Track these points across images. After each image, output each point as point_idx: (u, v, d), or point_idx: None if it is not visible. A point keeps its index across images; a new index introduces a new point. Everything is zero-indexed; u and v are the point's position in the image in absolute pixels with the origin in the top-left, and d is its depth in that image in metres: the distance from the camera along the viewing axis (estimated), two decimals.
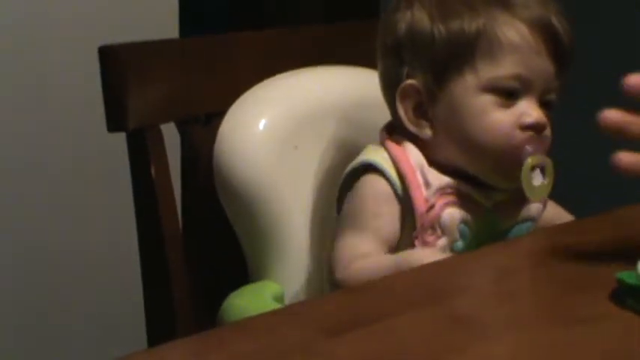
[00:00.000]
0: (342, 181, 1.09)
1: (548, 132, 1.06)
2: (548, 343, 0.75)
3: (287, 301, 1.15)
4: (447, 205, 1.05)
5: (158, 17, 1.89)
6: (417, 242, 1.04)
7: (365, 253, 1.04)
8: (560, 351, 0.74)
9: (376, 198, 1.05)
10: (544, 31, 1.05)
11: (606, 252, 0.93)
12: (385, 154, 1.07)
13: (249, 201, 1.15)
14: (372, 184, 1.06)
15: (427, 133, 1.07)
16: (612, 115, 0.84)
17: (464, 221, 1.06)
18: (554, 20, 1.06)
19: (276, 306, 1.10)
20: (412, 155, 1.07)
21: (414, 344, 0.75)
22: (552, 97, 1.07)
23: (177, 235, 1.19)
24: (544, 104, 1.06)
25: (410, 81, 1.07)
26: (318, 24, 1.38)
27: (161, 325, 1.19)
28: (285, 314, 0.88)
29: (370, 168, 1.06)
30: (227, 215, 1.18)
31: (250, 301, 1.12)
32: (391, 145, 1.07)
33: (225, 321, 1.12)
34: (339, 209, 1.10)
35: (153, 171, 1.18)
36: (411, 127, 1.07)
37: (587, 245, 0.95)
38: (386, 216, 1.05)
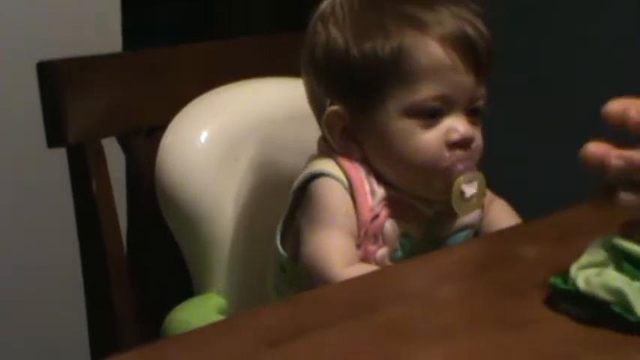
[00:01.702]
0: (294, 192, 1.08)
1: (477, 143, 1.07)
2: (482, 349, 0.77)
3: (231, 313, 1.16)
4: (390, 215, 1.06)
5: (101, 31, 1.90)
6: (359, 251, 1.05)
7: (347, 249, 1.04)
8: (495, 356, 0.75)
9: (337, 196, 1.05)
10: (460, 46, 1.04)
11: (543, 257, 0.95)
12: (334, 163, 1.07)
13: (191, 214, 1.17)
14: (329, 185, 1.05)
15: (356, 154, 1.07)
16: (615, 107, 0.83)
17: (405, 232, 1.07)
18: (470, 30, 1.05)
19: (220, 318, 1.11)
20: (359, 166, 1.07)
21: (351, 354, 0.76)
22: (478, 104, 1.07)
23: (119, 250, 1.20)
24: (471, 112, 1.07)
25: (333, 107, 1.07)
26: (260, 35, 1.39)
27: (104, 341, 1.21)
28: (226, 326, 0.89)
29: (324, 175, 1.06)
30: (170, 228, 1.19)
31: (194, 314, 1.14)
32: (338, 155, 1.07)
33: (169, 334, 1.13)
34: (291, 218, 1.09)
35: (94, 186, 1.19)
36: (340, 150, 1.07)
37: (523, 250, 0.96)
38: (350, 213, 1.05)
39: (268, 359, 0.75)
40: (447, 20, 1.05)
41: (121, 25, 1.93)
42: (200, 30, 3.39)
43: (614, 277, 0.81)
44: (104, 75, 1.23)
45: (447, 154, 1.05)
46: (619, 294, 0.79)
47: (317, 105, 1.10)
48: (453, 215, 1.08)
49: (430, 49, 1.04)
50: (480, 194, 1.05)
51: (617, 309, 0.79)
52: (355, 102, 1.06)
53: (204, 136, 1.18)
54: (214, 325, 0.88)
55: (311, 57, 1.09)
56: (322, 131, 1.09)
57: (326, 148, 1.09)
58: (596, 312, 0.80)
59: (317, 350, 0.76)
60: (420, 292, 0.90)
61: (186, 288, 1.20)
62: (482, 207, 1.08)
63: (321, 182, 1.05)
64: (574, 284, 0.81)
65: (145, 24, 2.94)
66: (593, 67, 2.48)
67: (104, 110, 1.21)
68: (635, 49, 2.45)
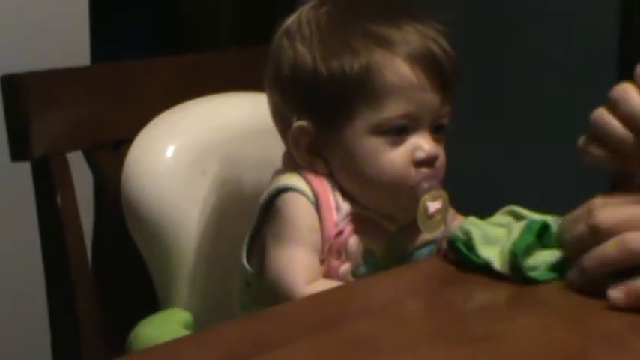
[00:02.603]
0: (261, 206, 1.08)
1: (441, 161, 1.08)
2: None
3: (196, 328, 1.16)
4: (354, 231, 1.07)
5: (68, 44, 1.90)
6: (322, 266, 1.05)
7: (311, 266, 1.04)
8: None
9: (303, 211, 1.05)
10: (426, 65, 1.05)
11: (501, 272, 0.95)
12: (300, 178, 1.07)
13: (157, 228, 1.18)
14: (295, 200, 1.06)
15: (322, 170, 1.08)
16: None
17: (369, 248, 1.07)
18: (436, 49, 1.06)
19: (185, 333, 1.12)
20: (325, 180, 1.07)
21: None
22: (443, 122, 1.09)
23: (84, 264, 1.21)
24: (435, 130, 1.08)
25: (300, 123, 1.07)
26: (227, 50, 1.39)
27: (68, 356, 1.21)
28: (190, 341, 0.89)
29: (290, 190, 1.06)
30: (136, 242, 1.20)
31: (159, 329, 1.14)
32: (304, 169, 1.08)
33: (134, 349, 1.13)
34: (257, 233, 1.09)
35: (59, 200, 1.19)
36: (306, 166, 1.08)
37: (483, 265, 0.96)
38: (315, 228, 1.05)
39: None
40: (414, 39, 1.06)
41: (89, 36, 1.93)
42: (171, 36, 3.40)
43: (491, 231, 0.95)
44: (70, 88, 1.24)
45: (412, 172, 1.06)
46: (468, 234, 0.94)
47: (281, 120, 1.10)
48: (416, 231, 1.08)
49: (398, 68, 1.05)
50: (444, 212, 1.06)
51: (464, 249, 0.94)
52: (322, 119, 1.07)
53: (170, 150, 1.19)
54: (178, 341, 0.89)
55: (276, 73, 1.10)
56: (287, 146, 1.09)
57: (291, 163, 1.09)
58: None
59: None
60: (383, 307, 0.91)
61: (152, 302, 1.21)
62: (447, 225, 1.09)
63: (288, 197, 1.06)
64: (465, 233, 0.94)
65: (115, 30, 2.95)
66: (553, 85, 2.50)
67: (70, 124, 1.22)
68: (593, 62, 2.48)
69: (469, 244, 0.95)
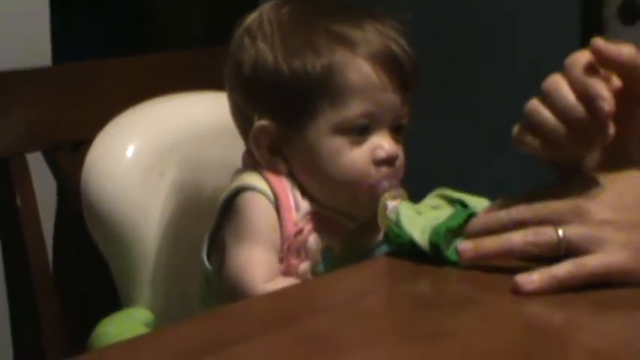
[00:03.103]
0: (221, 205, 1.09)
1: (401, 160, 1.08)
2: (397, 358, 0.80)
3: (157, 327, 1.16)
4: (313, 230, 1.07)
5: (29, 45, 1.89)
6: (281, 265, 1.06)
7: (270, 264, 1.04)
8: None
9: (262, 210, 1.06)
10: (387, 65, 1.06)
11: (460, 269, 0.97)
12: (260, 177, 1.07)
13: (117, 228, 1.17)
14: (254, 200, 1.06)
15: (282, 169, 1.08)
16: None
17: (328, 246, 1.08)
18: (396, 49, 1.07)
19: (146, 331, 1.12)
20: (284, 179, 1.08)
21: None
22: (403, 121, 1.09)
23: (44, 264, 1.21)
24: (395, 129, 1.08)
25: (261, 122, 1.07)
26: (187, 49, 1.39)
27: (30, 356, 1.21)
28: (148, 340, 0.90)
29: (250, 189, 1.07)
30: (97, 242, 1.19)
31: (120, 327, 1.14)
32: (264, 168, 1.08)
33: (95, 345, 1.13)
34: (217, 232, 1.09)
35: (18, 200, 1.20)
36: (266, 165, 1.08)
37: (439, 264, 0.98)
38: (274, 227, 1.06)
39: None
40: (375, 39, 1.07)
41: (50, 36, 1.92)
42: (138, 37, 3.39)
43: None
44: (29, 89, 1.24)
45: (373, 171, 1.06)
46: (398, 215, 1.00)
47: (242, 119, 1.11)
48: (374, 229, 1.09)
49: (360, 68, 1.06)
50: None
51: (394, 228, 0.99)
52: (284, 118, 1.07)
53: (130, 150, 1.19)
54: (137, 339, 0.90)
55: (237, 72, 1.10)
56: (248, 145, 1.10)
57: (251, 162, 1.10)
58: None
59: None
60: (340, 304, 0.92)
61: (114, 302, 1.21)
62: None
63: (247, 196, 1.06)
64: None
65: (80, 31, 2.93)
66: (514, 84, 2.52)
67: (29, 125, 1.22)
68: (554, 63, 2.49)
69: (398, 224, 0.99)
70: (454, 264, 0.96)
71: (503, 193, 1.04)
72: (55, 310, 1.21)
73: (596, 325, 0.87)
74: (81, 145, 1.23)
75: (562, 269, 0.90)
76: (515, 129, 0.97)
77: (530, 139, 0.95)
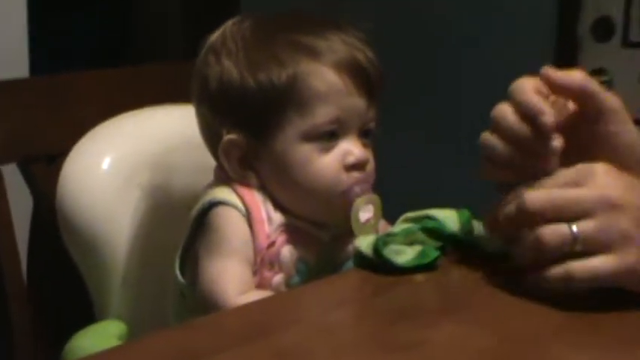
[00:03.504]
0: (194, 220, 1.09)
1: (371, 164, 1.09)
2: None
3: (131, 339, 1.16)
4: (286, 242, 1.07)
5: (6, 57, 1.89)
6: (254, 278, 1.06)
7: (243, 277, 1.04)
8: None
9: (235, 226, 1.06)
10: (352, 72, 1.07)
11: (431, 280, 0.98)
12: (231, 191, 1.07)
13: (92, 241, 1.18)
14: (227, 214, 1.06)
15: (254, 182, 1.08)
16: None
17: (302, 258, 1.08)
18: (360, 57, 1.07)
19: (118, 343, 1.12)
20: (256, 193, 1.08)
21: None
22: (370, 125, 1.10)
23: (18, 275, 1.21)
24: (363, 134, 1.09)
25: (230, 136, 1.08)
26: (160, 62, 1.39)
27: None
28: (120, 352, 0.90)
29: (222, 204, 1.07)
30: (71, 255, 1.20)
31: (93, 340, 1.14)
32: (235, 182, 1.08)
33: (69, 359, 1.13)
34: (190, 246, 1.10)
35: None
36: (237, 178, 1.08)
37: (414, 275, 0.99)
38: (247, 240, 1.06)
39: None
40: (339, 48, 1.07)
41: (27, 48, 1.92)
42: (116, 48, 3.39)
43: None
44: (3, 101, 1.24)
45: (344, 177, 1.07)
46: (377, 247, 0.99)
47: (211, 135, 1.11)
48: (348, 241, 1.09)
49: (325, 75, 1.06)
50: (377, 215, 1.08)
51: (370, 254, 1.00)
52: (252, 130, 1.08)
53: (105, 163, 1.19)
54: (109, 352, 0.89)
55: (204, 89, 1.10)
56: (218, 160, 1.10)
57: (222, 176, 1.10)
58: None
59: None
60: (313, 316, 0.92)
61: (88, 314, 1.21)
62: (377, 232, 1.09)
63: (219, 211, 1.07)
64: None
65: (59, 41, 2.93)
66: (477, 93, 2.53)
67: (4, 136, 1.22)
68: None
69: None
70: (395, 266, 0.98)
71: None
72: (28, 322, 1.21)
73: (572, 336, 0.87)
74: (56, 158, 1.23)
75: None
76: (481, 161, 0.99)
77: (490, 169, 0.98)
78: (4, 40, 1.90)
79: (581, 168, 0.94)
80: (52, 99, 1.28)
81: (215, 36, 1.11)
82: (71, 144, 1.21)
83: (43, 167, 1.24)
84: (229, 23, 1.12)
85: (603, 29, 2.41)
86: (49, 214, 1.21)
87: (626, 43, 2.36)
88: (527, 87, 0.96)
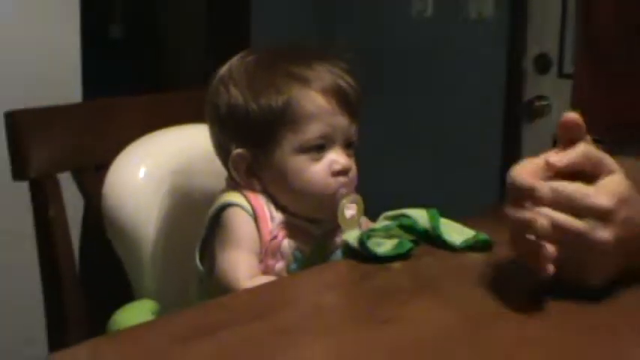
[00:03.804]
0: (210, 219, 1.07)
1: (353, 170, 1.07)
2: (354, 342, 0.78)
3: (161, 315, 1.13)
4: (286, 236, 1.06)
5: (62, 84, 1.88)
6: (260, 266, 1.04)
7: (251, 266, 1.03)
8: (363, 347, 0.76)
9: (244, 223, 1.04)
10: (335, 95, 1.05)
11: (406, 267, 0.96)
12: (240, 195, 1.06)
13: (131, 235, 1.16)
14: (237, 214, 1.05)
15: (258, 187, 1.07)
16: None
17: (298, 248, 1.06)
18: (342, 83, 1.06)
19: (152, 318, 1.09)
20: (260, 196, 1.07)
21: (249, 349, 0.76)
22: (352, 139, 1.08)
23: (71, 264, 1.19)
24: (347, 146, 1.08)
25: (238, 150, 1.06)
26: (185, 89, 1.39)
27: (59, 338, 1.19)
28: (149, 326, 0.89)
29: (233, 205, 1.06)
30: (113, 246, 1.18)
31: (131, 315, 1.12)
32: (243, 188, 1.07)
33: (112, 330, 1.11)
34: (208, 240, 1.08)
35: (51, 212, 1.18)
36: (244, 185, 1.07)
37: (391, 264, 0.97)
38: (254, 235, 1.05)
39: (178, 354, 0.75)
40: (325, 76, 1.06)
41: (81, 77, 1.91)
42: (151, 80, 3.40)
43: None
44: (60, 122, 1.22)
45: (331, 181, 1.05)
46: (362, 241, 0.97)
47: (222, 150, 1.10)
48: (336, 235, 1.08)
49: (314, 99, 1.05)
50: (360, 211, 1.06)
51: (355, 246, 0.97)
52: (256, 145, 1.06)
53: (141, 171, 1.18)
54: (143, 325, 0.89)
55: (215, 113, 1.09)
56: (228, 171, 1.09)
57: (232, 184, 1.09)
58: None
59: (221, 346, 0.76)
60: (308, 297, 0.91)
61: (127, 294, 1.19)
62: (360, 226, 1.07)
63: (231, 211, 1.05)
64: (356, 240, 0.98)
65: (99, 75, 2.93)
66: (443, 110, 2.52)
67: (59, 151, 1.20)
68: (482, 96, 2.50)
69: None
70: (376, 256, 0.96)
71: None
72: (79, 300, 1.19)
73: (517, 316, 0.83)
74: (102, 167, 1.21)
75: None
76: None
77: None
78: (62, 73, 1.90)
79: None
80: (98, 120, 1.26)
81: (223, 70, 1.10)
82: (113, 156, 1.19)
83: (92, 175, 1.22)
84: (234, 59, 1.11)
85: (542, 64, 2.41)
86: (96, 213, 1.19)
87: (561, 75, 2.36)
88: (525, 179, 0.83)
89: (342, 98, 1.06)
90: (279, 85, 1.05)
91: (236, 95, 1.07)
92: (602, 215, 0.81)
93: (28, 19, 1.84)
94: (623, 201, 0.82)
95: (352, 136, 1.08)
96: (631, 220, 0.82)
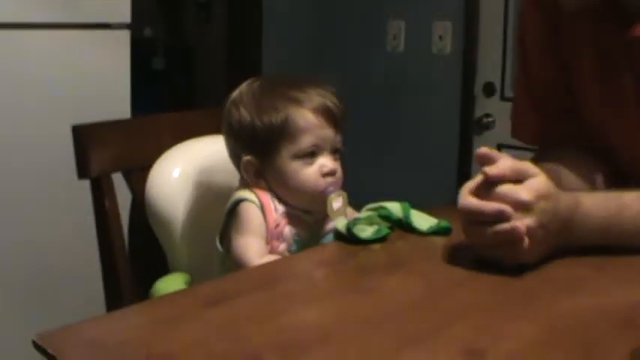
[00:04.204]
0: (228, 211, 1.06)
1: (339, 172, 1.06)
2: (343, 307, 0.77)
3: (192, 284, 1.12)
4: (287, 223, 1.04)
5: (116, 104, 1.87)
6: (267, 247, 1.03)
7: (259, 248, 1.01)
8: (351, 310, 0.76)
9: (254, 215, 1.03)
10: (324, 113, 1.04)
11: (385, 246, 0.95)
12: (250, 192, 1.05)
13: (167, 221, 1.15)
14: (249, 207, 1.04)
15: (264, 186, 1.05)
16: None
17: (297, 233, 1.05)
18: (329, 103, 1.05)
19: (184, 287, 1.08)
20: (266, 192, 1.05)
21: (261, 310, 0.76)
22: (338, 146, 1.07)
23: (122, 245, 1.18)
24: (333, 152, 1.06)
25: (247, 158, 1.05)
26: (212, 107, 1.37)
27: (115, 301, 1.18)
28: (182, 293, 0.88)
29: (244, 200, 1.04)
30: (154, 230, 1.17)
31: (168, 285, 1.10)
32: (253, 186, 1.06)
33: (154, 296, 1.10)
34: (226, 228, 1.06)
35: (107, 203, 1.17)
36: (253, 184, 1.05)
37: (373, 245, 0.95)
38: (261, 224, 1.03)
39: (205, 315, 0.74)
40: (315, 98, 1.05)
41: (130, 98, 1.90)
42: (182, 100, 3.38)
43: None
44: (113, 134, 1.21)
45: (321, 181, 1.04)
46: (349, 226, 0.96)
47: (235, 157, 1.08)
48: (326, 222, 1.06)
49: (306, 116, 1.04)
50: (345, 205, 1.04)
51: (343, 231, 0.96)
52: (261, 153, 1.05)
53: (175, 172, 1.16)
54: (175, 293, 0.89)
55: (229, 129, 1.08)
56: (240, 174, 1.08)
57: (244, 183, 1.07)
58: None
59: (239, 309, 0.76)
60: (305, 272, 0.90)
61: (164, 268, 1.17)
62: (346, 216, 1.06)
63: (244, 205, 1.04)
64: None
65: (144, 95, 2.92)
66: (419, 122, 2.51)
67: (113, 155, 1.18)
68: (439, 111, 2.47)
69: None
70: (360, 239, 0.94)
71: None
72: (129, 274, 1.17)
73: (479, 284, 0.82)
74: (145, 168, 1.19)
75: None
76: None
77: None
78: (115, 95, 1.89)
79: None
80: (142, 131, 1.24)
81: (234, 94, 1.09)
82: (154, 160, 1.18)
83: (138, 175, 1.20)
84: (243, 85, 1.10)
85: (489, 89, 2.39)
86: (141, 204, 1.17)
87: (503, 98, 2.35)
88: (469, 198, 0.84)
89: (328, 115, 1.05)
90: (279, 106, 1.04)
91: (245, 115, 1.05)
92: (524, 206, 0.82)
93: (91, 55, 1.83)
94: (541, 196, 0.83)
95: (337, 144, 1.07)
96: (550, 210, 0.84)
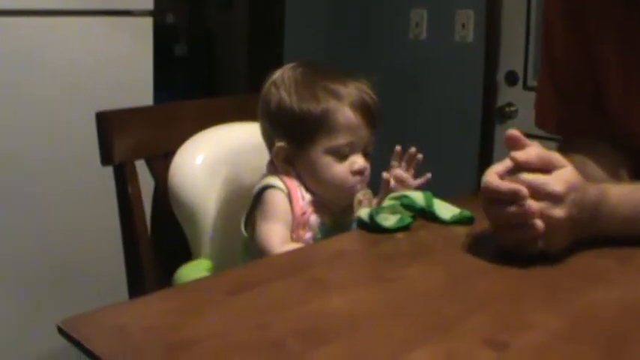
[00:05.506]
0: (254, 196, 1.06)
1: (368, 171, 1.06)
2: (366, 294, 0.77)
3: (215, 271, 1.13)
4: (313, 212, 1.05)
5: (139, 91, 1.87)
6: (293, 235, 1.03)
7: (283, 235, 1.02)
8: (376, 298, 0.76)
9: (280, 201, 1.03)
10: (362, 110, 1.04)
11: (407, 236, 0.95)
12: (278, 179, 1.05)
13: (190, 208, 1.15)
14: (275, 194, 1.04)
15: (293, 174, 1.05)
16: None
17: (322, 222, 1.05)
18: (367, 99, 1.05)
19: (207, 274, 1.09)
20: (294, 180, 1.05)
21: (286, 298, 0.76)
22: (369, 149, 1.07)
23: (145, 231, 1.18)
24: (364, 155, 1.06)
25: (280, 143, 1.05)
26: (239, 94, 1.37)
27: (137, 288, 1.19)
28: (205, 280, 0.88)
29: (272, 187, 1.05)
30: (177, 216, 1.17)
31: (191, 271, 1.11)
32: (281, 173, 1.06)
33: (176, 283, 1.11)
34: (251, 213, 1.06)
35: (130, 190, 1.17)
36: (282, 171, 1.06)
37: (396, 234, 0.95)
38: (287, 211, 1.03)
39: (229, 302, 0.74)
40: (354, 92, 1.04)
41: (152, 86, 1.91)
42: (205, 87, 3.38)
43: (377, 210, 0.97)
44: (136, 121, 1.21)
45: (350, 178, 1.04)
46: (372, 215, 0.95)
47: (268, 141, 1.08)
48: (350, 212, 1.06)
49: (345, 112, 1.03)
50: (369, 201, 1.05)
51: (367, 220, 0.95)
52: (294, 142, 1.05)
53: (199, 158, 1.16)
54: (198, 280, 0.88)
55: (266, 109, 1.07)
56: (271, 157, 1.07)
57: (272, 169, 1.07)
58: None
59: (262, 296, 0.76)
60: (329, 259, 0.90)
61: (187, 255, 1.18)
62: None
63: (270, 191, 1.04)
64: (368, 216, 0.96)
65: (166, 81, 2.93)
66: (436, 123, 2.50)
67: (136, 143, 1.19)
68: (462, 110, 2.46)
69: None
70: (383, 228, 0.94)
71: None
72: (152, 260, 1.18)
73: (499, 274, 0.82)
74: (168, 155, 1.19)
75: None
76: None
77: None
78: (138, 82, 1.90)
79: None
80: (165, 119, 1.25)
81: (277, 74, 1.08)
82: (177, 147, 1.18)
83: (160, 161, 1.20)
84: (286, 67, 1.09)
85: (511, 78, 2.37)
86: (164, 191, 1.18)
87: (526, 87, 2.33)
88: (495, 178, 0.83)
89: (366, 112, 1.04)
90: (319, 97, 1.03)
91: (284, 98, 1.04)
92: (556, 198, 0.81)
93: (114, 42, 1.84)
94: (572, 187, 0.83)
95: (369, 145, 1.07)
96: (579, 201, 0.83)
